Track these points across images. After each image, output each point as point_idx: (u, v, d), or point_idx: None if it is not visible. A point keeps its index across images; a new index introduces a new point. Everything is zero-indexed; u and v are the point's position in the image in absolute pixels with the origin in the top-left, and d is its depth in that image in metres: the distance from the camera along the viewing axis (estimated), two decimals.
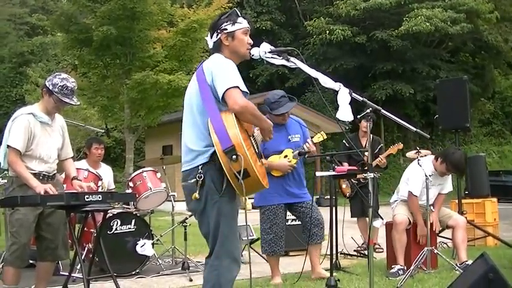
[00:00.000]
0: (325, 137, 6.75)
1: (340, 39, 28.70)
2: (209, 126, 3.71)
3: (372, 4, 28.24)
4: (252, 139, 3.97)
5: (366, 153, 8.74)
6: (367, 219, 8.16)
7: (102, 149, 8.15)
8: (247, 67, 30.04)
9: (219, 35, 4.01)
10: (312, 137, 6.72)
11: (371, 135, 8.87)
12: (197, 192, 3.75)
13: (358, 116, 4.71)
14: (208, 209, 3.79)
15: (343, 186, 8.84)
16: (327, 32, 29.10)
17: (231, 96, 3.69)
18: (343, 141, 9.17)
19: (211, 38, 4.07)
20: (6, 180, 5.54)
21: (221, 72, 3.79)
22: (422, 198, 6.98)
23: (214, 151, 3.67)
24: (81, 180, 5.75)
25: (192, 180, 3.79)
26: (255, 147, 3.96)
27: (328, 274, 6.36)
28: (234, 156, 3.56)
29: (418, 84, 29.61)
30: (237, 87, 3.71)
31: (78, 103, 5.64)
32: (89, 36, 18.39)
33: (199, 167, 3.77)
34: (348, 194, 8.82)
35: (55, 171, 5.50)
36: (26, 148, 5.17)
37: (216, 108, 3.74)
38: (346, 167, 7.30)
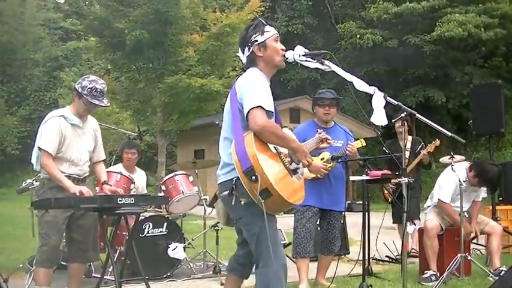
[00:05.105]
0: (364, 144, 6.67)
1: (370, 45, 28.52)
2: (231, 147, 3.79)
3: (404, 9, 28.00)
4: (283, 155, 3.93)
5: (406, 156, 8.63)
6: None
7: (134, 154, 8.12)
8: (280, 71, 29.88)
9: (251, 48, 4.03)
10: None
11: (411, 136, 8.81)
12: (233, 201, 3.80)
13: (393, 120, 4.67)
14: (251, 219, 3.83)
15: (386, 191, 8.71)
16: (358, 36, 28.95)
17: (251, 116, 3.73)
18: (384, 148, 9.05)
19: (243, 53, 4.11)
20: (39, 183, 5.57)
21: (248, 90, 3.83)
22: (457, 203, 6.90)
23: None
24: (111, 185, 5.76)
25: (226, 193, 3.85)
26: (288, 162, 3.93)
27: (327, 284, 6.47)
28: (253, 177, 3.58)
29: (451, 90, 29.24)
30: (260, 107, 3.73)
31: (108, 104, 5.67)
32: (122, 40, 18.56)
33: (233, 180, 3.80)
34: (390, 199, 8.68)
35: (86, 174, 5.51)
36: (57, 150, 5.21)
37: (241, 128, 3.81)
38: (380, 171, 7.19)
